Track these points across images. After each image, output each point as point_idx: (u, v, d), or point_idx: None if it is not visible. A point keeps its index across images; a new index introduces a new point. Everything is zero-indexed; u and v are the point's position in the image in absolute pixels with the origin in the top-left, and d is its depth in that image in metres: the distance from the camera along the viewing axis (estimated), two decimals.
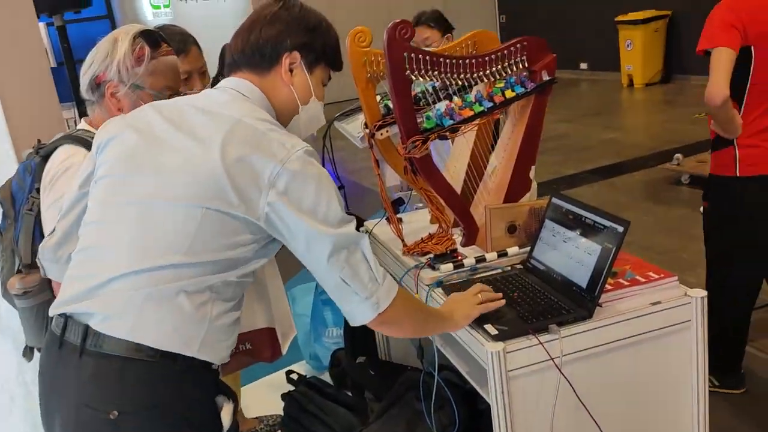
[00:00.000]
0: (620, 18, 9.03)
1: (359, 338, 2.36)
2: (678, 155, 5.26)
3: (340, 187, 3.15)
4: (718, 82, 2.07)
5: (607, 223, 1.46)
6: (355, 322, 1.32)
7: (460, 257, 1.77)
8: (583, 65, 10.48)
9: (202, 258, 1.23)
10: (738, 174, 2.25)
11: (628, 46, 9.07)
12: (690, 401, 1.54)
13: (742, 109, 2.22)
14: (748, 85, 2.19)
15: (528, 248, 1.74)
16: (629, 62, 9.13)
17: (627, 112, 8.56)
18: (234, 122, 1.28)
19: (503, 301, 1.50)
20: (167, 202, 1.25)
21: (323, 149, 2.77)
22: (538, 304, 1.50)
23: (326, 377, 2.47)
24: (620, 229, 1.42)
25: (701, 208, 2.51)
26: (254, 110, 1.33)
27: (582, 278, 1.48)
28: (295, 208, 1.23)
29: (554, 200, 1.67)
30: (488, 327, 1.43)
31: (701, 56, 2.20)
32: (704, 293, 1.48)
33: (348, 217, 1.29)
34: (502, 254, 1.77)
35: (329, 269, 1.27)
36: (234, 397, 1.33)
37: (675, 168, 5.24)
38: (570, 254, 1.55)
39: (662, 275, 1.54)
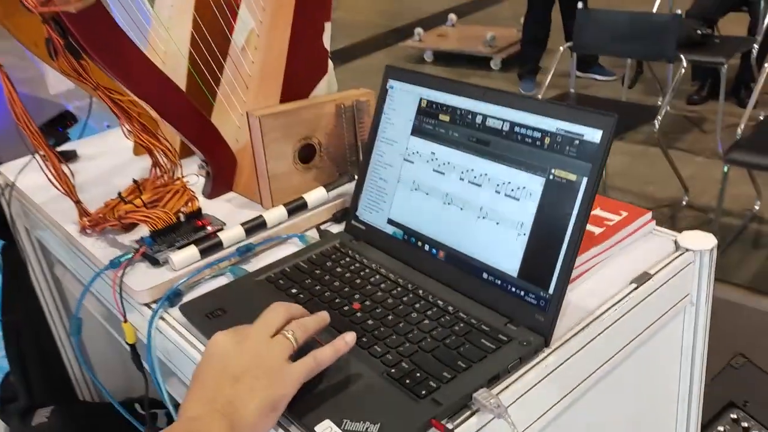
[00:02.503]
0: None
1: (36, 372, 1.33)
2: (418, 30, 4.69)
3: None
4: None
5: (564, 126, 0.64)
6: None
7: (209, 227, 0.84)
8: None
9: None
10: None
11: None
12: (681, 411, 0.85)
13: None
14: None
15: (344, 186, 0.87)
16: None
17: None
18: None
19: (351, 339, 0.62)
20: None
21: None
22: (421, 330, 0.65)
23: None
24: (597, 136, 0.61)
25: None
26: None
27: (508, 255, 0.66)
28: None
29: (395, 82, 0.80)
30: (325, 429, 0.55)
31: None
32: (714, 242, 0.76)
33: None
34: (296, 208, 0.87)
35: None
36: None
37: (417, 45, 4.67)
38: (467, 202, 0.71)
39: (629, 211, 0.79)
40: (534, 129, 0.65)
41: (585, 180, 0.61)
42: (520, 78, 3.91)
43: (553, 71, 2.66)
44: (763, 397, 1.31)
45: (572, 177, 0.62)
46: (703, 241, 0.75)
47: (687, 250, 0.75)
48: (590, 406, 0.69)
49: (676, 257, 0.74)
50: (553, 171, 0.64)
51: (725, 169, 2.08)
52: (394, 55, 4.75)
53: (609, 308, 0.67)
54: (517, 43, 4.19)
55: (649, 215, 0.78)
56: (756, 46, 2.87)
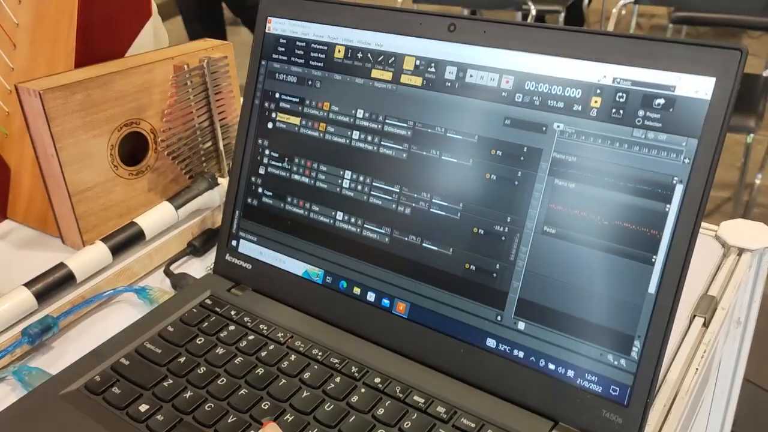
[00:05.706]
0: None
1: None
2: None
3: None
4: None
5: (630, 74, 0.36)
6: None
7: None
8: None
9: None
10: None
11: None
12: None
13: None
14: None
15: (202, 197, 0.54)
16: None
17: None
18: None
19: None
20: None
21: None
22: None
23: None
24: (705, 88, 0.34)
25: None
26: None
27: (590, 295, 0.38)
28: None
29: (282, 23, 0.47)
30: None
31: None
32: None
33: None
34: (126, 242, 0.52)
35: None
36: None
37: None
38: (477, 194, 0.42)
39: None
40: (566, 84, 0.37)
41: (686, 169, 0.34)
42: None
43: None
44: None
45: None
46: (755, 234, 0.52)
47: (742, 250, 0.51)
48: None
49: (735, 263, 0.50)
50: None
51: None
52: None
53: (686, 370, 0.42)
54: None
55: None
56: None
